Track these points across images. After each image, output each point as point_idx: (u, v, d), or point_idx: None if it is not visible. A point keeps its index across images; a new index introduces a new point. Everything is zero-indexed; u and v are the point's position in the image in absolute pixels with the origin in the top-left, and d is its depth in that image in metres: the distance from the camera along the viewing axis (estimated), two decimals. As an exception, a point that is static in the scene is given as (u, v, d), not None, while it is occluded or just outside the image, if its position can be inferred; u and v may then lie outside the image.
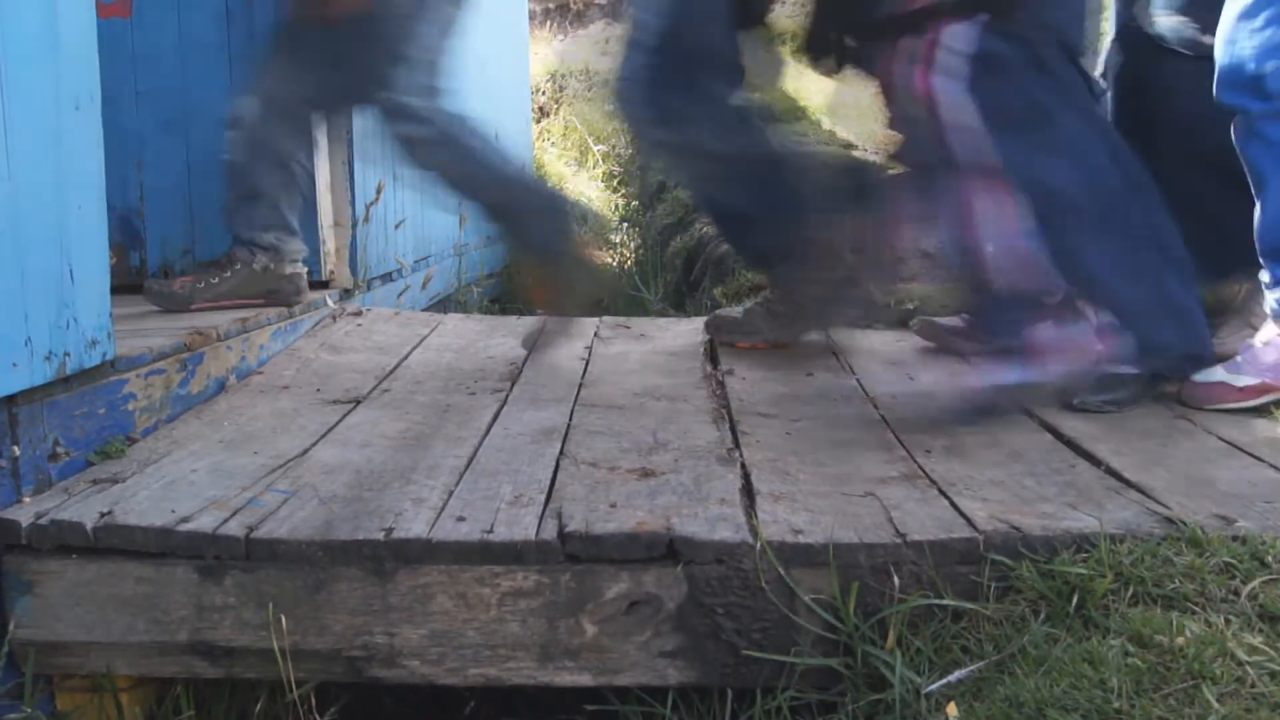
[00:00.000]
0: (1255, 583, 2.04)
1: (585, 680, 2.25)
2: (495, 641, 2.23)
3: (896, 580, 2.18)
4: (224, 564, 2.23)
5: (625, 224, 8.13)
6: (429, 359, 3.79)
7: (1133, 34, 3.59)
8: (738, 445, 2.82)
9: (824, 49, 3.59)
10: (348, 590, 2.22)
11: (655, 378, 3.57)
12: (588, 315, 4.47)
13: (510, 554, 2.20)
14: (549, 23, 11.35)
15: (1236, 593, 2.03)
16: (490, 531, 2.23)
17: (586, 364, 3.79)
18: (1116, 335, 3.11)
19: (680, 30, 3.46)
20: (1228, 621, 1.94)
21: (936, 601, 2.18)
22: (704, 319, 4.27)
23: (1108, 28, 3.70)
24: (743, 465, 2.64)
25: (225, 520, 2.28)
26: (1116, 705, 1.78)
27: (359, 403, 3.22)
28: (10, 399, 2.34)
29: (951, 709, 1.96)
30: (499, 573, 2.21)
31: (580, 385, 3.48)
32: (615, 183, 8.99)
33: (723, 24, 3.57)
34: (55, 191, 2.45)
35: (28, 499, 2.38)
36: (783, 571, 2.18)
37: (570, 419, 3.06)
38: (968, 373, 3.42)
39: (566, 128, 9.22)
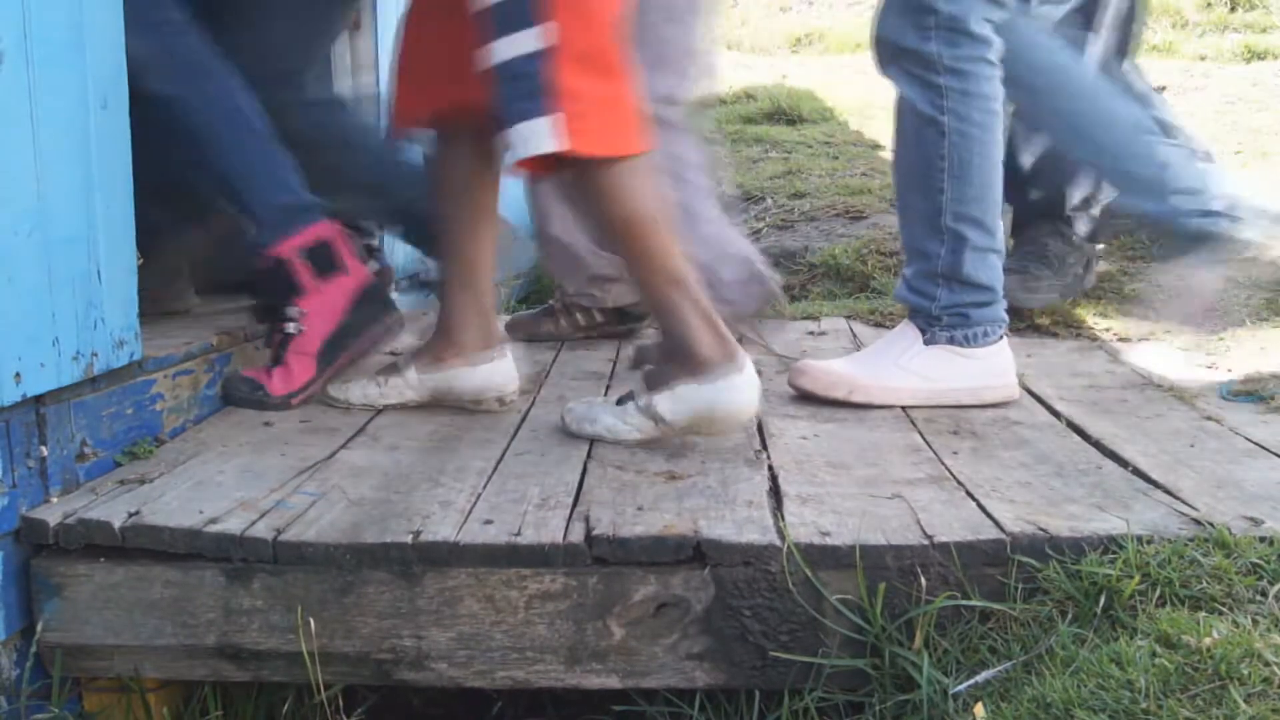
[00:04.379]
0: (1282, 584, 2.04)
1: (613, 683, 2.25)
2: (523, 644, 2.23)
3: (924, 581, 2.18)
4: (252, 567, 2.23)
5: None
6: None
7: None
8: (765, 447, 2.82)
9: None
10: (375, 593, 2.22)
11: (682, 379, 3.57)
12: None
13: (538, 557, 2.20)
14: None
15: (1264, 594, 2.03)
16: (518, 534, 2.23)
17: (614, 365, 3.79)
18: None
19: None
20: (1255, 622, 1.93)
21: (964, 603, 2.17)
22: None
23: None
24: (770, 467, 2.64)
25: (253, 522, 2.28)
26: (1144, 706, 1.78)
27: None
28: (38, 399, 2.35)
29: (979, 709, 1.96)
30: (526, 575, 2.21)
31: (608, 387, 3.48)
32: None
33: None
34: (83, 191, 2.46)
35: (55, 499, 2.39)
36: (810, 573, 2.18)
37: (598, 420, 3.06)
38: None
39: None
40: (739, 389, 2.73)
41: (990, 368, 3.21)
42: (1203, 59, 8.36)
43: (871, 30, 3.30)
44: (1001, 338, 3.24)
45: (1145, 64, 8.04)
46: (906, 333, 3.25)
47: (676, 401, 2.75)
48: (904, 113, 3.25)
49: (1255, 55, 8.30)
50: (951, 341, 3.18)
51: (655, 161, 2.79)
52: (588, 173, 2.70)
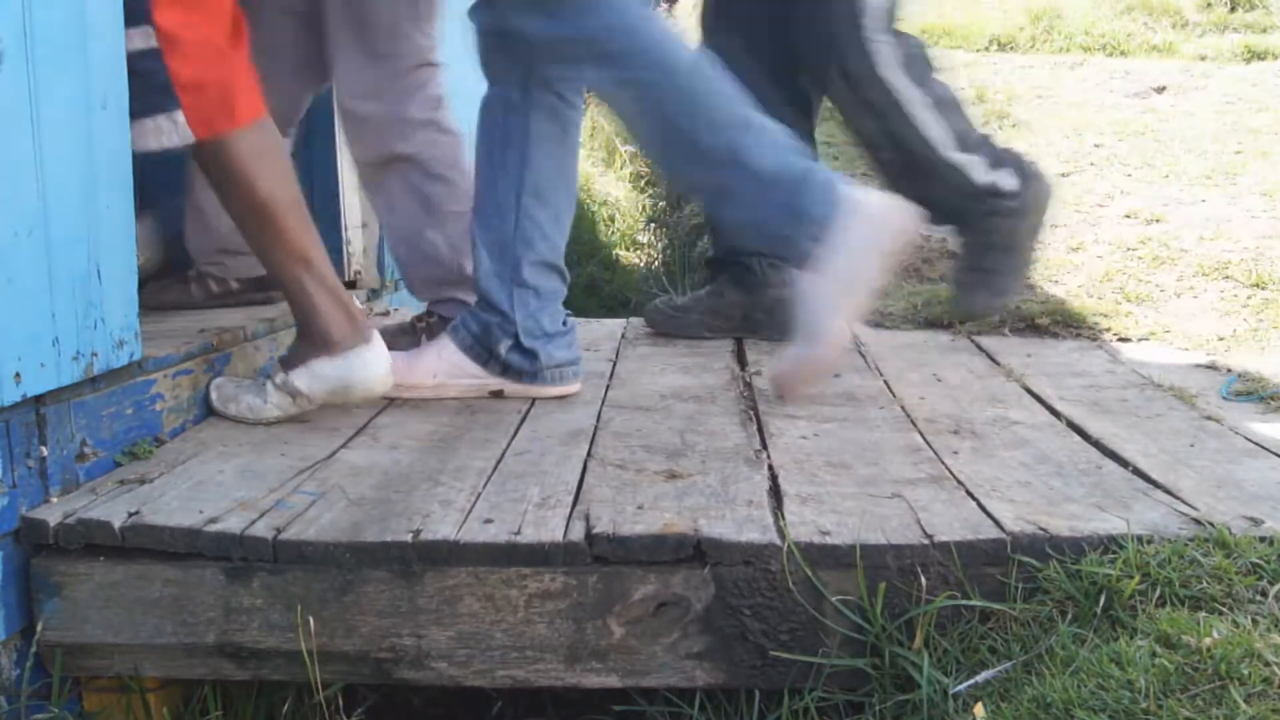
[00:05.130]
0: (1283, 584, 2.04)
1: (613, 682, 2.25)
2: (523, 643, 2.23)
3: (924, 581, 2.18)
4: (251, 566, 2.23)
5: (653, 224, 8.13)
6: (456, 360, 3.79)
7: None
8: (765, 446, 2.82)
9: None
10: (375, 592, 2.22)
11: (682, 378, 3.58)
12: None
13: (538, 556, 2.20)
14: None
15: (1264, 594, 2.03)
16: (518, 533, 2.23)
17: (614, 365, 3.80)
18: None
19: None
20: (1255, 622, 1.93)
21: (964, 602, 2.18)
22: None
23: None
24: (770, 466, 2.64)
25: (253, 521, 2.28)
26: (1144, 706, 1.78)
27: (386, 404, 3.22)
28: (38, 399, 2.35)
29: (979, 710, 1.96)
30: (526, 574, 2.21)
31: (607, 386, 3.48)
32: (643, 183, 8.98)
33: None
34: (84, 191, 2.45)
35: (55, 499, 2.39)
36: (810, 573, 2.18)
37: (598, 420, 3.07)
38: None
39: (594, 128, 9.23)
40: (369, 363, 2.96)
41: (872, 222, 3.10)
42: (1203, 59, 8.36)
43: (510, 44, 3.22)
44: (851, 196, 3.11)
45: (1145, 64, 8.07)
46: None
47: (312, 377, 2.96)
48: (609, 97, 3.20)
49: (1255, 55, 8.30)
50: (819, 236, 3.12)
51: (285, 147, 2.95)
52: (217, 155, 2.80)
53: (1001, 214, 4.05)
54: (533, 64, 3.17)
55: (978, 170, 4.05)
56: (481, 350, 3.26)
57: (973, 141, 4.04)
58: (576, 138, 3.38)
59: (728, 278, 4.31)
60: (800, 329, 3.17)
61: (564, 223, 3.37)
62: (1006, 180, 4.09)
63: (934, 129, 3.99)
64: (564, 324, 3.35)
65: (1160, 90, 7.69)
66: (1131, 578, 2.07)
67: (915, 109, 3.96)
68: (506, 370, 3.28)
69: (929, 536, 2.21)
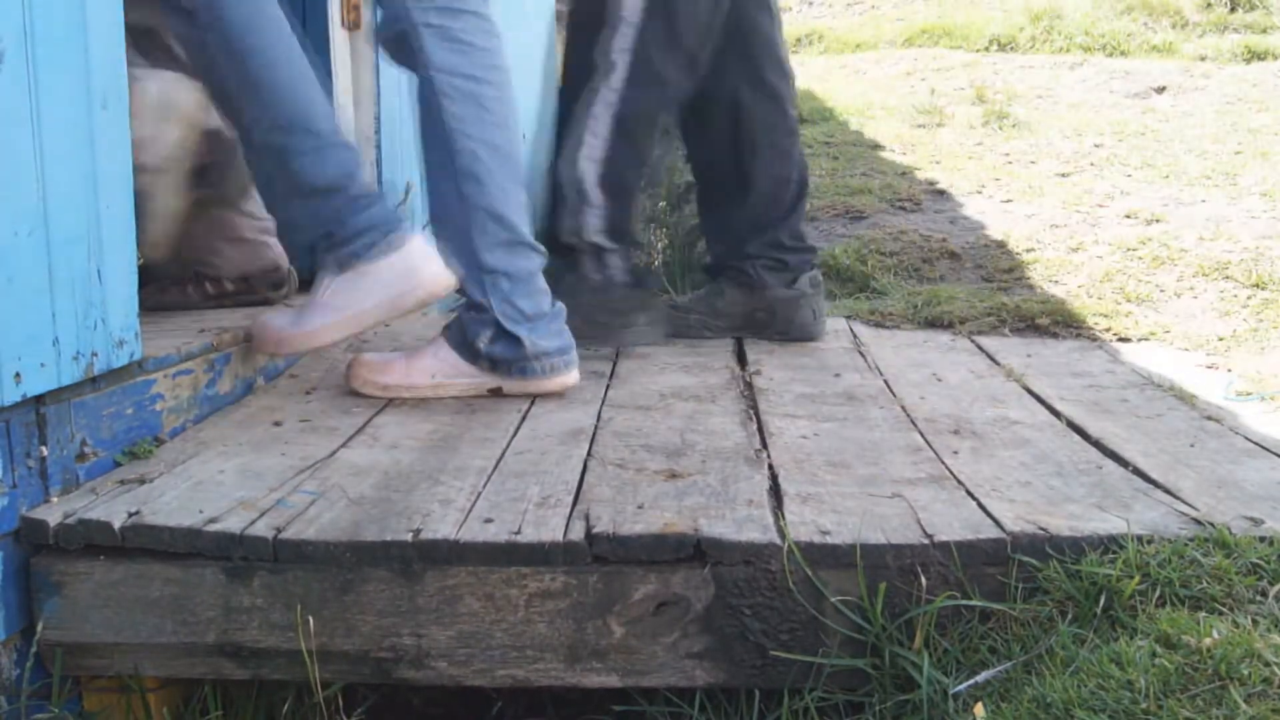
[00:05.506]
0: (1283, 584, 2.04)
1: (613, 681, 2.24)
2: (523, 643, 2.23)
3: (924, 581, 2.18)
4: (252, 565, 2.23)
5: (653, 224, 8.12)
6: (456, 359, 3.79)
7: None
8: (765, 446, 2.82)
9: None
10: (375, 591, 2.22)
11: (682, 378, 3.58)
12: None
13: (538, 555, 2.20)
14: (576, 23, 11.34)
15: (1264, 594, 2.03)
16: (518, 533, 2.23)
17: (614, 364, 3.80)
18: None
19: None
20: (1255, 623, 1.93)
21: (964, 602, 2.17)
22: None
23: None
24: (770, 466, 2.64)
25: (253, 521, 2.28)
26: (1144, 706, 1.78)
27: (386, 404, 3.22)
28: (38, 399, 2.35)
29: (979, 709, 1.96)
30: (526, 574, 2.21)
31: (607, 386, 3.48)
32: (642, 183, 8.97)
33: None
34: (85, 191, 2.45)
35: (55, 499, 2.38)
36: (810, 572, 2.18)
37: (598, 420, 3.07)
38: None
39: (593, 128, 9.22)
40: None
41: (397, 274, 3.18)
42: (1203, 59, 8.37)
43: None
44: (399, 241, 3.18)
45: (1145, 64, 8.08)
46: (321, 276, 3.24)
47: None
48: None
49: (1255, 55, 8.31)
50: (341, 265, 3.17)
51: None
52: None
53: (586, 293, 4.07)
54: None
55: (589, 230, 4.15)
56: (468, 346, 3.26)
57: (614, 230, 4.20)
58: (503, 111, 3.30)
59: (728, 277, 4.32)
60: (300, 310, 3.25)
61: (514, 197, 3.30)
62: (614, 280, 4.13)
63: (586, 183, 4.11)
64: (551, 306, 3.34)
65: (1160, 90, 7.70)
66: (1131, 578, 2.07)
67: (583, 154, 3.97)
68: (496, 364, 3.26)
69: (929, 536, 2.21)
